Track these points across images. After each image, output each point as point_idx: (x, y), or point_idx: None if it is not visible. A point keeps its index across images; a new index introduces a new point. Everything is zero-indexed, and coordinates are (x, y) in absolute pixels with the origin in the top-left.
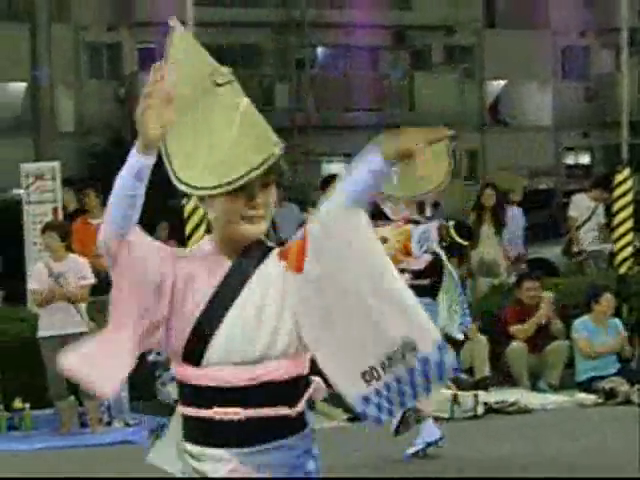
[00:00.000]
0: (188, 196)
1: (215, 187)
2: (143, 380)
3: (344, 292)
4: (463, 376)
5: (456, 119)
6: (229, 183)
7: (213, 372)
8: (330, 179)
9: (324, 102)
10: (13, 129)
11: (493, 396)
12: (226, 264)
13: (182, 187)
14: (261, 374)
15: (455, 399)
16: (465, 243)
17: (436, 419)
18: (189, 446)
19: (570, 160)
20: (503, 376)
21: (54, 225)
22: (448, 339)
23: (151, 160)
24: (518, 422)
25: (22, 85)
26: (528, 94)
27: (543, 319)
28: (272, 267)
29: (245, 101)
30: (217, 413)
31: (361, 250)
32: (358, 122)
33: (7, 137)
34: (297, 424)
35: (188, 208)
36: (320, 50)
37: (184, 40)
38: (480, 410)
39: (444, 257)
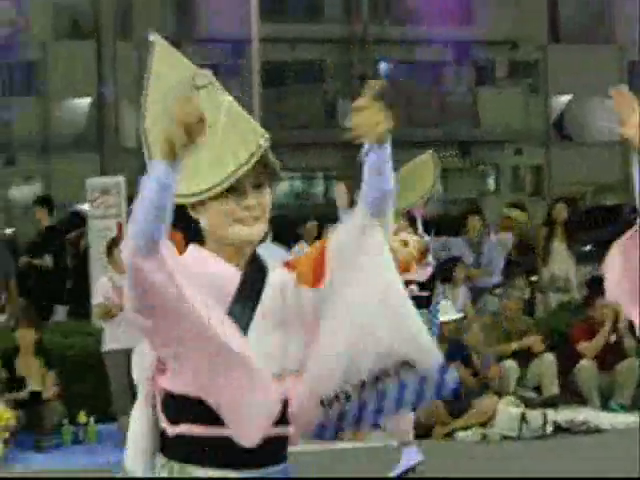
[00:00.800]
0: None
1: (203, 192)
2: None
3: (346, 308)
4: (531, 394)
5: (520, 134)
6: (218, 184)
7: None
8: None
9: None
10: (78, 145)
11: (562, 415)
12: (233, 272)
13: (189, 200)
14: (283, 390)
15: (523, 418)
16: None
17: (505, 438)
18: (181, 469)
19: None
20: (572, 394)
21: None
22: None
23: (178, 168)
24: (587, 442)
25: (87, 101)
26: (594, 109)
27: (611, 336)
28: (280, 276)
29: (227, 99)
30: (226, 431)
31: (371, 267)
32: (421, 138)
33: (72, 152)
34: (286, 450)
35: None
36: (383, 66)
37: (165, 51)
38: (549, 429)
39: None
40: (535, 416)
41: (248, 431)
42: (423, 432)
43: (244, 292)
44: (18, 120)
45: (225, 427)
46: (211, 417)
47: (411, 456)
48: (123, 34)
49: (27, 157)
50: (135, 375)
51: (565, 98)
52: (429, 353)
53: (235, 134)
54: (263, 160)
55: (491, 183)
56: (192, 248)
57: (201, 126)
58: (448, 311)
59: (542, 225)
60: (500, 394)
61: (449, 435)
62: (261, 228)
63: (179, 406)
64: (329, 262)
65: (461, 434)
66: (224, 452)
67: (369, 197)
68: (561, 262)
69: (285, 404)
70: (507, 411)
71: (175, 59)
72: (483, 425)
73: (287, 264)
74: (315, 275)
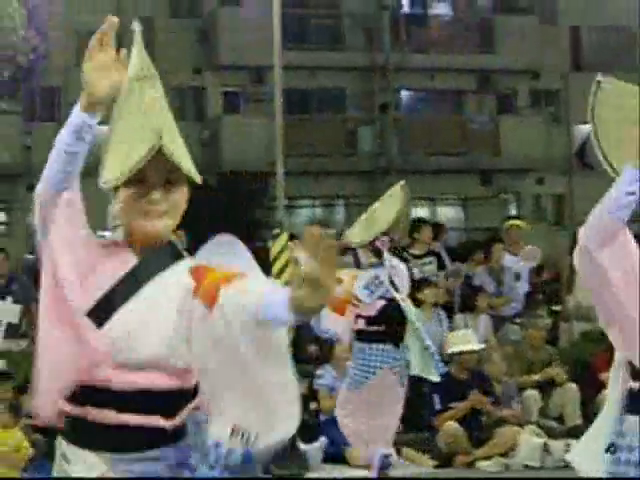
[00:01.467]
0: (274, 238)
1: (109, 181)
2: None
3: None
4: (554, 424)
5: (542, 163)
6: (119, 176)
7: (96, 370)
8: (417, 223)
9: (408, 146)
10: (99, 171)
11: None
12: (131, 260)
13: (101, 184)
14: (141, 381)
15: (546, 447)
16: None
17: (526, 467)
18: (65, 445)
19: None
20: None
21: None
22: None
23: (93, 120)
24: None
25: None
26: None
27: None
28: (177, 277)
29: (151, 95)
30: (90, 413)
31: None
32: (442, 166)
33: (93, 179)
34: (172, 436)
35: (274, 251)
36: (404, 94)
37: (138, 44)
38: None
39: (403, 303)
40: (557, 446)
41: (39, 401)
42: (444, 461)
43: (130, 276)
44: (39, 146)
45: (82, 407)
46: (70, 395)
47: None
48: None
49: None
50: None
51: (587, 127)
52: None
53: (146, 129)
54: (173, 162)
55: (512, 212)
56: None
57: (118, 75)
58: (469, 340)
59: (567, 253)
60: (522, 424)
61: (470, 464)
62: (166, 223)
63: None
64: (223, 296)
65: (482, 463)
66: (88, 432)
67: (271, 315)
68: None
69: (154, 394)
70: (529, 441)
71: (140, 50)
72: (504, 455)
73: (195, 270)
74: (213, 296)
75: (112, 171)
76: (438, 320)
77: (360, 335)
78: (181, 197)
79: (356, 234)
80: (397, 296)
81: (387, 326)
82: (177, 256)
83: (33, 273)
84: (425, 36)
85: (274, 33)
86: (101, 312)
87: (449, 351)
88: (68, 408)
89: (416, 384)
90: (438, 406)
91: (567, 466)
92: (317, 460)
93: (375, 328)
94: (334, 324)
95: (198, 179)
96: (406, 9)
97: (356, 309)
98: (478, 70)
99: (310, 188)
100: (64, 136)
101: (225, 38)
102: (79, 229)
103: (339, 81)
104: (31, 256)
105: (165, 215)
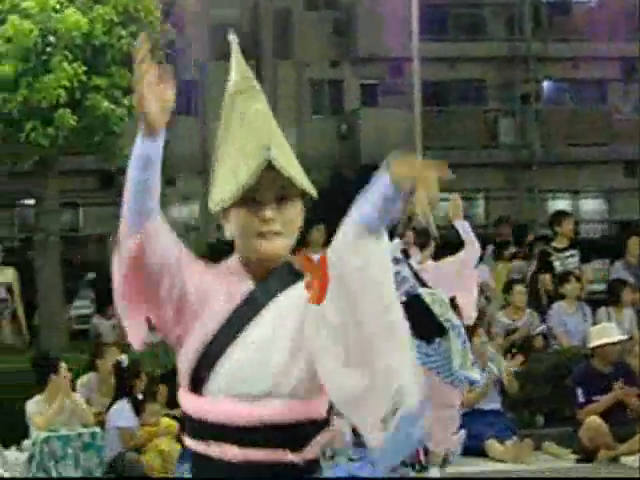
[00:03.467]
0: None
1: (219, 202)
2: None
3: (358, 326)
4: None
5: None
6: (230, 195)
7: (211, 404)
8: (559, 216)
9: (550, 137)
10: None
11: None
12: (247, 286)
13: (212, 208)
14: (263, 413)
15: None
16: None
17: None
18: None
19: None
20: None
21: None
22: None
23: (157, 145)
24: None
25: None
26: None
27: None
28: (295, 297)
29: (255, 108)
30: (213, 450)
31: (371, 283)
32: (585, 158)
33: None
34: (302, 472)
35: None
36: (546, 84)
37: (236, 54)
38: None
39: (428, 300)
40: None
41: None
42: (586, 456)
43: (248, 303)
44: (178, 140)
45: (205, 443)
46: (193, 431)
47: None
48: (283, 53)
49: (186, 177)
50: None
51: None
52: (415, 387)
53: (251, 143)
54: (282, 172)
55: None
56: (232, 257)
57: (169, 91)
58: (610, 332)
59: None
60: None
61: (614, 460)
62: (283, 243)
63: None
64: (330, 275)
65: (626, 459)
66: (212, 469)
67: (366, 219)
68: None
69: (278, 427)
70: None
71: (238, 62)
72: None
73: (306, 283)
74: (322, 289)
75: (222, 192)
76: (582, 314)
77: None
78: (296, 214)
79: None
80: (423, 292)
81: (413, 322)
82: (296, 276)
83: None
84: (567, 24)
85: (412, 24)
86: (216, 345)
87: (591, 345)
88: (192, 444)
89: (558, 377)
90: (581, 399)
91: None
92: (456, 453)
93: None
94: None
95: (314, 193)
96: None
97: None
98: (623, 58)
99: (449, 181)
100: (134, 174)
101: (363, 30)
102: (179, 256)
103: (479, 72)
104: None
105: (280, 235)
